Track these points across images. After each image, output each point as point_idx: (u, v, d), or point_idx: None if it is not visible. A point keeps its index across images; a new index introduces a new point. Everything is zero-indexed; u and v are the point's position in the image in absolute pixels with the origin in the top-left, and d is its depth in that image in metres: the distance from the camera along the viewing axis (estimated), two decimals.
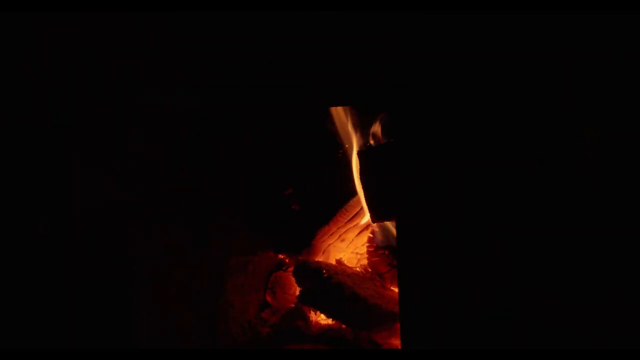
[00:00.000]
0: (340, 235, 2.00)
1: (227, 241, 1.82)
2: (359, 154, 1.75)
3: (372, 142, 1.82)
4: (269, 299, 1.99)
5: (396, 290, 1.77)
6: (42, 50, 1.48)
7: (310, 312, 1.89)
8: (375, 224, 1.87)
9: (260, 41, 1.55)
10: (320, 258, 1.98)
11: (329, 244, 2.00)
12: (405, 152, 1.36)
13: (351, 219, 1.96)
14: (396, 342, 1.70)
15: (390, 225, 1.81)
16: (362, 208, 1.92)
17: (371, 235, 1.92)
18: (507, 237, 1.26)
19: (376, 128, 1.81)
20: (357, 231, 2.02)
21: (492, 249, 1.26)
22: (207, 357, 1.58)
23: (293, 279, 1.90)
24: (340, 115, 1.89)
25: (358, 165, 1.76)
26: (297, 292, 1.88)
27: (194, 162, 1.72)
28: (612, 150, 1.20)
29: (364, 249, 1.95)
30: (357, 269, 1.97)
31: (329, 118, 1.89)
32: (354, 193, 1.90)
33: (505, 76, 1.27)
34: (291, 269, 1.95)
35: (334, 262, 1.99)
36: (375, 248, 1.89)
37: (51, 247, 1.49)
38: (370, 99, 1.64)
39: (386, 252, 1.87)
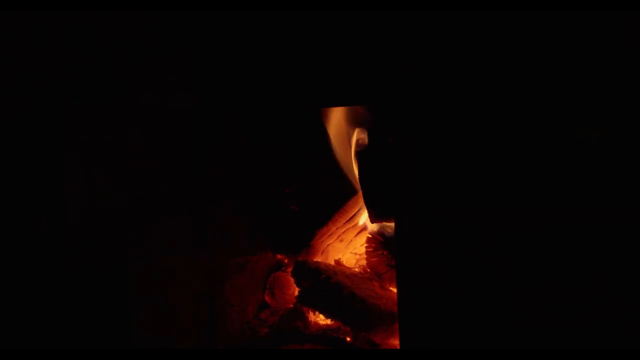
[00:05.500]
0: (339, 236, 2.00)
1: (226, 241, 1.82)
2: (359, 154, 1.76)
3: (372, 142, 1.82)
4: (267, 299, 1.99)
5: (395, 290, 1.77)
6: (39, 50, 1.48)
7: (309, 313, 1.89)
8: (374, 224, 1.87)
9: (259, 42, 1.56)
10: (319, 258, 1.98)
11: (328, 244, 2.00)
12: (405, 153, 1.36)
13: (350, 219, 1.96)
14: (395, 343, 1.70)
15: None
16: (360, 208, 1.92)
17: (370, 236, 1.92)
18: (506, 238, 1.26)
19: (376, 128, 1.81)
20: (356, 231, 2.02)
21: (491, 249, 1.26)
22: (206, 357, 1.58)
23: (292, 279, 1.90)
24: (342, 115, 1.89)
25: (357, 165, 1.77)
26: (296, 293, 1.88)
27: (193, 162, 1.72)
28: (611, 151, 1.20)
29: (363, 250, 1.95)
30: (356, 270, 1.97)
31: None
32: (353, 193, 1.90)
33: (505, 77, 1.27)
34: (290, 269, 1.95)
35: (332, 263, 1.99)
36: (375, 247, 1.90)
37: (50, 247, 1.49)
38: (370, 99, 1.65)
39: (385, 253, 1.87)
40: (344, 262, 2.02)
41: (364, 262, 1.96)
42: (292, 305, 1.91)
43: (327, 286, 1.74)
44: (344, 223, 1.97)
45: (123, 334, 1.50)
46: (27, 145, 1.48)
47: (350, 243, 2.05)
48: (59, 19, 1.46)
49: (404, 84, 1.36)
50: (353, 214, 1.95)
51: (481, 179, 1.28)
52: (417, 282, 1.35)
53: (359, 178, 1.74)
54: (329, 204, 1.95)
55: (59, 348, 1.42)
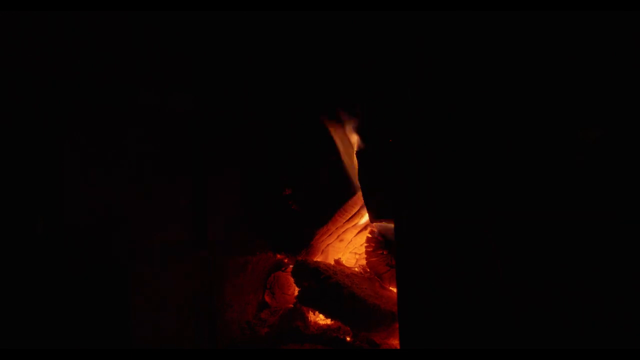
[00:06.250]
0: (339, 236, 2.00)
1: (226, 241, 1.82)
2: (359, 154, 1.76)
3: (372, 142, 1.82)
4: (267, 299, 1.99)
5: (395, 290, 1.77)
6: (39, 50, 1.48)
7: (309, 312, 1.89)
8: (374, 224, 1.87)
9: (258, 43, 1.56)
10: (319, 258, 1.98)
11: (328, 244, 2.00)
12: (404, 153, 1.36)
13: (350, 219, 1.96)
14: (395, 343, 1.70)
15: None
16: (360, 208, 1.92)
17: (370, 235, 1.92)
18: (505, 237, 1.26)
19: (376, 128, 1.81)
20: (355, 231, 2.02)
21: (491, 249, 1.26)
22: (206, 357, 1.58)
23: (292, 279, 1.90)
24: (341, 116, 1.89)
25: (358, 165, 1.77)
26: (296, 293, 1.88)
27: (193, 163, 1.72)
28: (611, 151, 1.20)
29: (363, 249, 1.95)
30: (356, 269, 1.97)
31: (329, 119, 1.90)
32: (352, 193, 1.90)
33: (504, 77, 1.27)
34: (290, 269, 1.95)
35: (332, 262, 1.99)
36: (375, 247, 1.90)
37: (49, 247, 1.49)
38: (370, 100, 1.65)
39: (385, 252, 1.88)
40: (344, 262, 2.02)
41: (364, 262, 1.96)
42: (292, 305, 1.91)
43: (327, 286, 1.74)
44: (344, 223, 1.97)
45: (123, 334, 1.50)
46: (26, 145, 1.48)
47: (350, 243, 2.05)
48: (58, 19, 1.46)
49: (404, 84, 1.36)
50: (353, 213, 1.95)
51: (481, 178, 1.28)
52: (417, 282, 1.35)
53: (358, 178, 1.74)
54: (329, 204, 1.95)
55: (59, 348, 1.42)
